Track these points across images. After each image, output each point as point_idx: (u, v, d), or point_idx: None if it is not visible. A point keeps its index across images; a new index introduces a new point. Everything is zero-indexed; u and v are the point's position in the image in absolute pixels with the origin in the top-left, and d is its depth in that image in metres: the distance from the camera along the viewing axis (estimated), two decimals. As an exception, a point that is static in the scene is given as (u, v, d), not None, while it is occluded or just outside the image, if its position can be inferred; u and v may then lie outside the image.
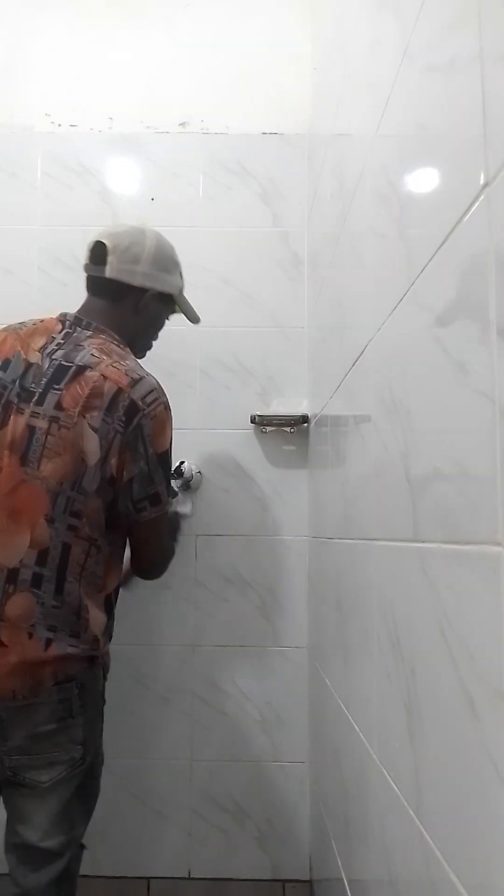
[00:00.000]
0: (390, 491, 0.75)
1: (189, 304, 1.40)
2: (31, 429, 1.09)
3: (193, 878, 1.60)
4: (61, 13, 1.81)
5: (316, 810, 1.47)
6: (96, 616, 1.10)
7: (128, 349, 1.22)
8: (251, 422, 1.67)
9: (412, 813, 0.64)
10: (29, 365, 1.14)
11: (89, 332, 1.19)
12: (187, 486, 1.65)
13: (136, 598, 1.65)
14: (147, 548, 1.21)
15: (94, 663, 1.11)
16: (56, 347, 1.16)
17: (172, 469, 1.42)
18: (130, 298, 1.25)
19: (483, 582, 0.46)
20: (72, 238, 1.71)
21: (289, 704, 1.63)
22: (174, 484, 1.54)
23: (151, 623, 1.65)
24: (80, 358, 1.13)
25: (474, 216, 0.49)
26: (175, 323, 1.62)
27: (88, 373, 1.11)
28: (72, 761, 1.07)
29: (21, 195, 1.75)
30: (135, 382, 1.12)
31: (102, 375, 1.11)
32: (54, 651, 1.05)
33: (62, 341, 1.17)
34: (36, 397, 1.11)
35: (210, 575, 1.66)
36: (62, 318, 1.21)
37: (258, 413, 1.67)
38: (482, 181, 0.47)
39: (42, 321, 1.21)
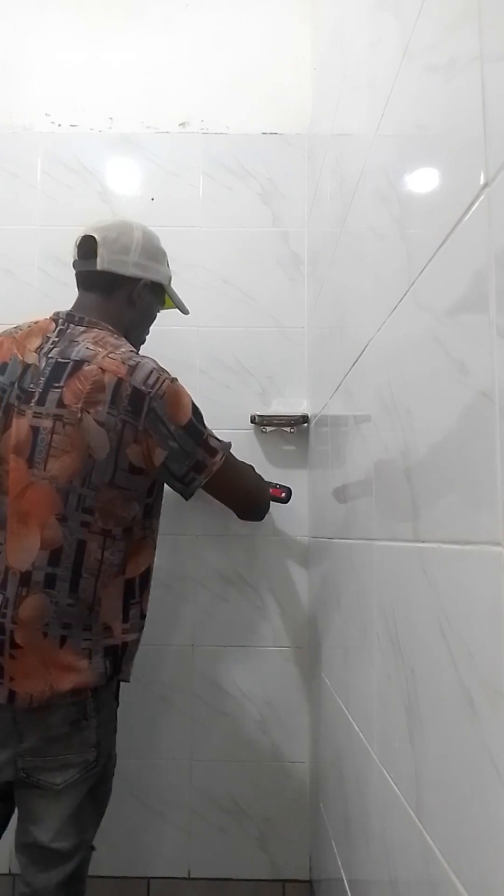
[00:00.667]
0: (390, 491, 0.75)
1: (177, 295, 1.40)
2: (34, 430, 1.10)
3: (193, 878, 1.60)
4: (61, 13, 1.81)
5: (316, 810, 1.47)
6: (108, 604, 1.10)
7: (122, 338, 1.21)
8: (251, 422, 1.67)
9: (412, 813, 0.64)
10: (27, 366, 1.14)
11: (83, 328, 1.19)
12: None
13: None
14: (229, 501, 1.28)
15: (115, 651, 1.10)
16: (52, 346, 1.16)
17: None
18: (123, 290, 1.25)
19: (483, 582, 0.46)
20: (72, 238, 1.70)
21: (289, 704, 1.63)
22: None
23: (151, 623, 1.64)
24: (76, 353, 1.13)
25: (474, 216, 0.49)
26: (175, 323, 1.63)
27: (86, 367, 1.11)
28: (85, 764, 1.07)
29: (21, 195, 1.75)
30: (133, 369, 1.12)
31: (101, 368, 1.11)
32: (69, 650, 1.05)
33: (57, 339, 1.17)
34: (36, 397, 1.11)
35: (210, 575, 1.66)
36: (55, 317, 1.22)
37: (258, 413, 1.67)
38: (482, 181, 0.47)
39: (36, 323, 1.22)
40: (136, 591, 1.15)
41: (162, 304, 1.38)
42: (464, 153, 0.51)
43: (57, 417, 1.09)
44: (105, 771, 1.14)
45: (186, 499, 1.20)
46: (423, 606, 0.61)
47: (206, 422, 1.19)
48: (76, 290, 1.30)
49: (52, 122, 1.78)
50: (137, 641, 1.16)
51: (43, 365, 1.14)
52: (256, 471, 1.44)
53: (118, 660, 1.11)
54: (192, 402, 1.17)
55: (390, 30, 0.77)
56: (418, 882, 0.62)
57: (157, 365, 1.16)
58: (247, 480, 1.32)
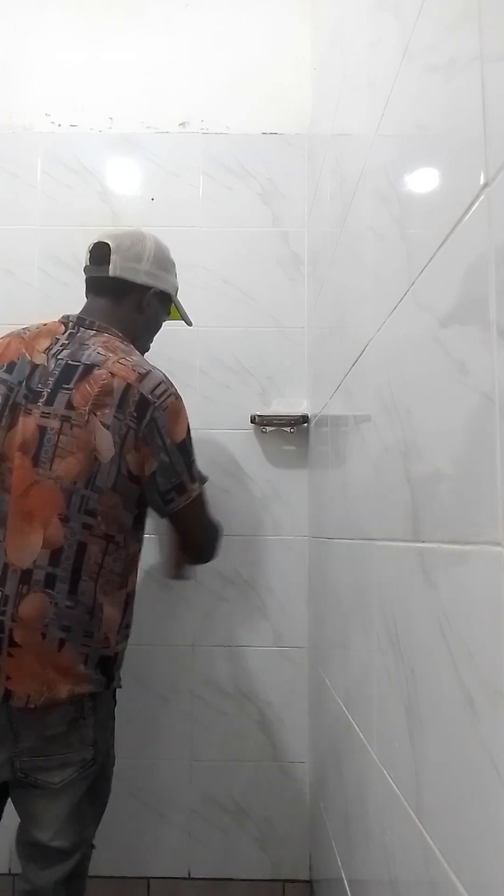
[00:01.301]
0: (390, 491, 0.75)
1: (182, 306, 1.42)
2: (41, 429, 1.10)
3: (193, 878, 1.60)
4: (61, 13, 1.81)
5: (316, 810, 1.47)
6: (111, 614, 1.10)
7: (131, 346, 1.23)
8: (251, 422, 1.67)
9: (412, 813, 0.64)
10: (35, 366, 1.15)
11: (93, 332, 1.20)
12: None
13: (135, 598, 1.65)
14: (190, 535, 1.24)
15: (107, 662, 1.10)
16: (61, 348, 1.17)
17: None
18: (133, 297, 1.27)
19: (483, 582, 0.46)
20: (72, 238, 1.71)
21: (289, 704, 1.63)
22: None
23: (151, 623, 1.65)
24: (87, 357, 1.14)
25: (474, 216, 0.49)
26: (175, 323, 1.62)
27: (96, 371, 1.12)
28: (83, 762, 1.07)
29: (21, 195, 1.75)
30: (142, 377, 1.13)
31: (110, 373, 1.12)
32: (68, 653, 1.05)
33: (66, 342, 1.18)
34: (45, 398, 1.12)
35: (210, 575, 1.66)
36: (64, 320, 1.23)
37: (258, 413, 1.67)
38: (482, 181, 0.47)
39: (45, 325, 1.23)
40: (131, 604, 1.17)
41: (167, 315, 1.40)
42: (464, 153, 0.51)
43: (65, 419, 1.10)
44: (104, 769, 1.14)
45: (162, 517, 1.19)
46: (423, 606, 0.61)
47: (205, 423, 1.20)
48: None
49: (52, 122, 1.78)
50: (125, 650, 1.17)
51: (52, 366, 1.14)
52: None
53: (109, 670, 1.11)
54: (189, 424, 1.19)
55: (390, 30, 0.77)
56: (418, 882, 0.62)
57: (166, 378, 1.18)
58: (211, 522, 1.30)
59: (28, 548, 1.07)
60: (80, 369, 1.13)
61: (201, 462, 1.67)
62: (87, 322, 1.21)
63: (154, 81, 1.79)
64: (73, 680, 1.05)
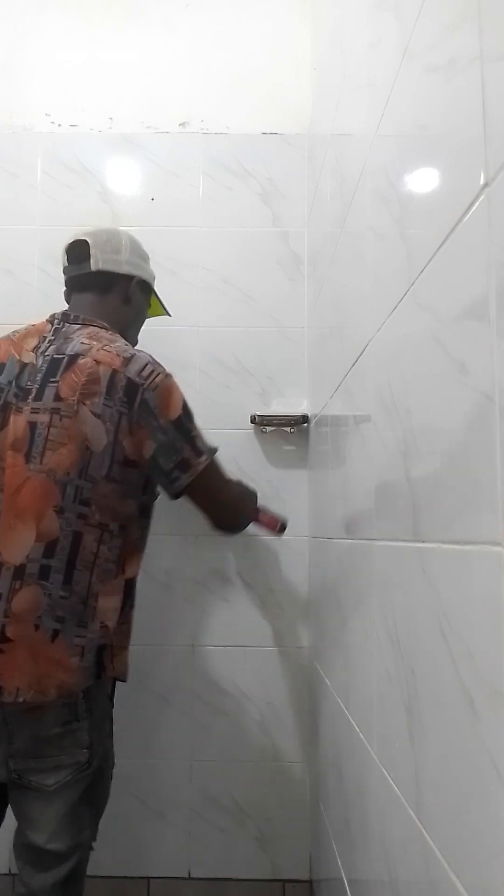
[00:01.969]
0: (390, 491, 0.75)
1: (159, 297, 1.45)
2: (32, 425, 1.10)
3: (193, 878, 1.60)
4: (61, 13, 1.81)
5: (316, 810, 1.47)
6: (106, 603, 1.10)
7: (118, 335, 1.23)
8: (251, 422, 1.67)
9: (412, 813, 0.64)
10: (24, 365, 1.16)
11: (77, 325, 1.21)
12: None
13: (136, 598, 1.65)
14: (211, 508, 1.24)
15: (103, 653, 1.10)
16: (48, 345, 1.18)
17: None
18: (118, 288, 1.29)
19: (483, 582, 0.46)
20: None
21: (289, 704, 1.63)
22: None
23: (151, 623, 1.65)
24: (71, 348, 1.15)
25: (474, 216, 0.49)
26: (175, 323, 1.63)
27: (81, 360, 1.13)
28: (77, 765, 1.07)
29: (21, 195, 1.75)
30: (127, 361, 1.14)
31: (95, 360, 1.13)
32: (61, 644, 1.05)
33: (52, 338, 1.19)
34: (34, 393, 1.12)
35: (210, 575, 1.66)
36: (50, 319, 1.24)
37: (258, 413, 1.67)
38: (482, 181, 0.47)
39: (34, 325, 1.24)
40: (133, 592, 1.16)
41: (149, 307, 1.41)
42: (464, 153, 0.51)
43: (54, 411, 1.10)
44: (101, 772, 1.13)
45: (172, 498, 1.19)
46: (423, 606, 0.61)
47: (205, 423, 1.20)
48: (64, 295, 1.31)
49: (52, 122, 1.78)
50: (124, 637, 1.16)
51: (40, 363, 1.15)
52: (259, 493, 1.46)
53: (102, 658, 1.10)
54: (185, 400, 1.18)
55: (390, 30, 0.77)
56: (418, 882, 0.62)
57: (153, 359, 1.17)
58: (229, 490, 1.30)
59: (20, 543, 1.07)
60: (65, 361, 1.14)
61: (201, 462, 1.67)
62: (71, 317, 1.22)
63: (154, 81, 1.79)
64: (64, 672, 1.05)
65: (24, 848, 1.08)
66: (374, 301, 0.84)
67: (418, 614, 0.63)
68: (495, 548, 0.44)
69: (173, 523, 1.67)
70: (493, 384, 0.45)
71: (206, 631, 1.65)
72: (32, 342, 1.19)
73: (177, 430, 1.14)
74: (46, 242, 1.73)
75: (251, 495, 1.42)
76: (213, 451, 1.21)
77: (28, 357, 1.17)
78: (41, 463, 1.08)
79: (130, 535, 1.16)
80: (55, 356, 1.15)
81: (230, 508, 1.31)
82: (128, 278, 1.29)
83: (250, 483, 1.67)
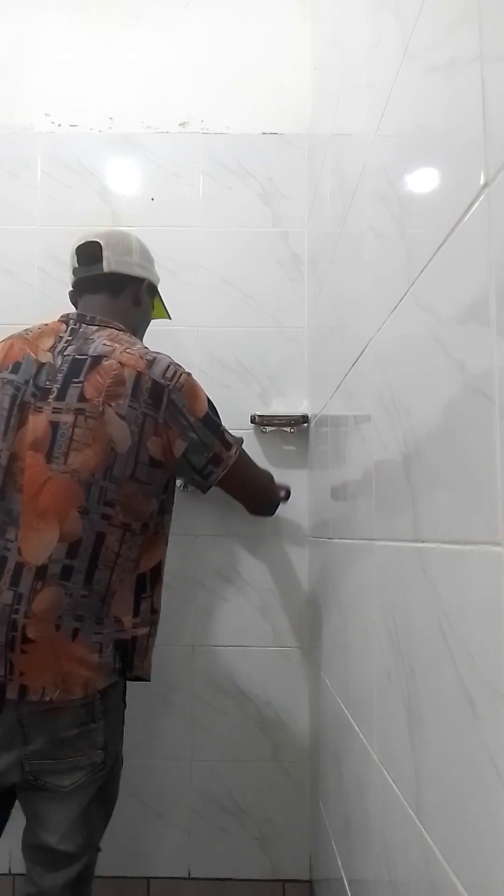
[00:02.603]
0: (390, 491, 0.75)
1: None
2: (54, 425, 1.11)
3: (193, 878, 1.60)
4: (61, 13, 1.81)
5: (316, 810, 1.47)
6: (122, 598, 1.11)
7: (134, 337, 1.25)
8: (251, 422, 1.67)
9: (412, 813, 0.64)
10: (41, 365, 1.16)
11: (95, 326, 1.21)
12: (186, 486, 1.65)
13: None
14: (245, 496, 1.33)
15: (125, 647, 1.10)
16: (66, 345, 1.18)
17: None
18: (129, 289, 1.30)
19: (483, 582, 0.46)
20: (72, 238, 1.71)
21: (289, 704, 1.63)
22: None
23: (151, 623, 1.65)
24: (93, 349, 1.16)
25: (474, 216, 0.49)
26: (175, 323, 1.63)
27: (105, 362, 1.14)
28: (93, 766, 1.07)
29: (21, 195, 1.75)
30: (151, 364, 1.15)
31: (119, 363, 1.14)
32: (81, 643, 1.05)
33: (70, 338, 1.19)
34: (55, 393, 1.12)
35: (210, 575, 1.66)
36: (65, 319, 1.24)
37: (258, 413, 1.67)
38: (482, 181, 0.47)
39: (46, 324, 1.24)
40: (146, 584, 1.15)
41: (154, 309, 1.43)
42: (464, 153, 0.51)
43: (79, 411, 1.10)
44: (113, 772, 1.13)
45: (204, 492, 1.24)
46: (423, 606, 0.61)
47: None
48: (67, 302, 1.31)
49: (52, 122, 1.78)
50: (149, 636, 1.15)
51: (59, 363, 1.15)
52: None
53: (128, 654, 1.11)
54: (207, 395, 1.21)
55: (390, 30, 0.77)
56: (418, 882, 0.62)
57: (172, 360, 1.20)
58: (259, 475, 1.37)
59: (43, 544, 1.07)
60: (88, 362, 1.14)
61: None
62: (87, 318, 1.22)
63: (154, 81, 1.79)
64: (87, 669, 1.05)
65: (34, 848, 1.08)
66: (374, 301, 0.84)
67: (418, 614, 0.63)
68: (495, 548, 0.44)
69: (173, 523, 1.67)
70: (492, 384, 0.45)
71: (206, 631, 1.65)
72: (48, 342, 1.19)
73: (206, 427, 1.17)
74: (46, 242, 1.73)
75: (271, 477, 1.49)
76: (240, 441, 1.26)
77: (45, 357, 1.17)
78: (65, 463, 1.08)
79: (148, 533, 1.17)
80: (77, 356, 1.15)
81: (262, 495, 1.39)
82: (139, 280, 1.31)
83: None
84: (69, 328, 1.21)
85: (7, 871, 1.60)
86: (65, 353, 1.16)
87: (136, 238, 1.34)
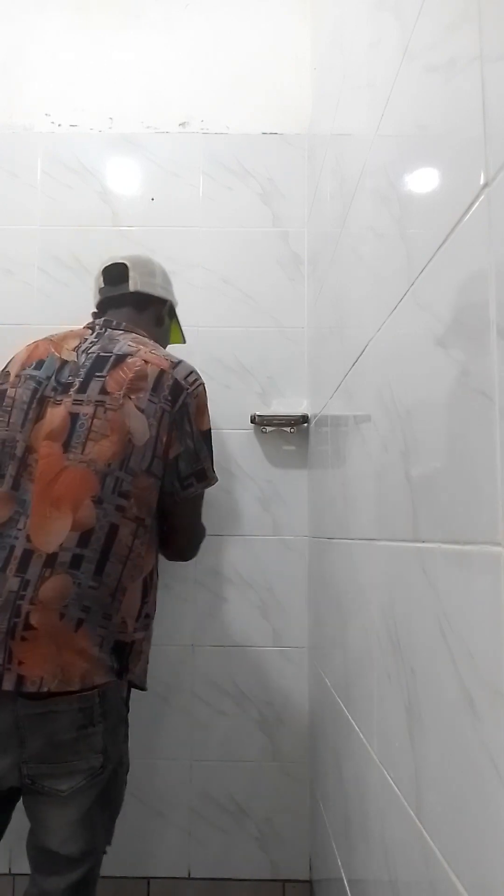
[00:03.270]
0: (390, 491, 0.75)
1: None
2: (73, 416, 1.13)
3: (193, 878, 1.60)
4: (61, 13, 1.81)
5: (316, 810, 1.47)
6: (131, 599, 1.11)
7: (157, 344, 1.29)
8: (251, 422, 1.67)
9: (412, 813, 0.64)
10: (64, 362, 1.20)
11: (120, 331, 1.26)
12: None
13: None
14: (186, 525, 1.28)
15: (123, 649, 1.09)
16: (90, 345, 1.22)
17: None
18: (152, 309, 1.36)
19: (483, 582, 0.46)
20: (72, 238, 1.71)
21: (289, 704, 1.63)
22: None
23: (151, 623, 1.65)
24: (118, 348, 1.20)
25: (474, 216, 0.49)
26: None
27: (129, 359, 1.17)
28: (91, 770, 1.05)
29: (21, 195, 1.75)
30: (175, 365, 1.20)
31: (144, 360, 1.18)
32: (84, 635, 1.04)
33: (95, 339, 1.24)
34: (77, 386, 1.15)
35: (210, 575, 1.66)
36: (90, 325, 1.29)
37: (258, 413, 1.67)
38: (482, 181, 0.47)
39: (72, 330, 1.28)
40: (148, 588, 1.16)
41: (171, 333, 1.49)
42: (464, 153, 0.51)
43: (99, 403, 1.13)
44: (116, 776, 1.11)
45: (177, 502, 1.19)
46: (423, 606, 0.61)
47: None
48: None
49: (52, 122, 1.78)
50: (144, 641, 1.15)
51: (83, 360, 1.19)
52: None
53: (124, 656, 1.09)
54: (210, 418, 1.24)
55: (390, 30, 0.77)
56: (418, 882, 0.62)
57: (196, 370, 1.24)
58: (200, 522, 1.34)
59: (54, 532, 1.07)
60: (113, 359, 1.18)
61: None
62: (114, 323, 1.27)
63: (154, 81, 1.79)
64: (87, 663, 1.04)
65: (36, 851, 1.07)
66: (374, 301, 0.84)
67: (418, 614, 0.63)
68: (495, 548, 0.44)
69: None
70: (492, 384, 0.45)
71: (205, 631, 1.65)
72: (73, 343, 1.23)
73: (203, 442, 1.20)
74: (46, 242, 1.73)
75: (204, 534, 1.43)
76: (216, 479, 1.26)
77: (69, 356, 1.21)
78: (82, 453, 1.10)
79: (155, 534, 1.18)
80: (101, 354, 1.19)
81: (197, 537, 1.35)
82: (161, 301, 1.37)
83: (250, 483, 1.68)
84: (95, 332, 1.26)
85: (7, 871, 1.60)
86: (89, 352, 1.20)
87: (159, 263, 1.41)
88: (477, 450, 0.48)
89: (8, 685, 1.01)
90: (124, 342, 1.21)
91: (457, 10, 0.54)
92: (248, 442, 1.69)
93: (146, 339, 1.25)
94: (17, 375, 1.20)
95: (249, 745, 1.62)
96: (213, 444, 1.24)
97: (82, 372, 1.16)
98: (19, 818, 1.13)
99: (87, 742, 1.05)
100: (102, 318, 1.29)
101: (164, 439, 1.14)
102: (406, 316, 0.69)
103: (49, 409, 1.14)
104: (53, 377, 1.17)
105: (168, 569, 1.65)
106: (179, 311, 1.64)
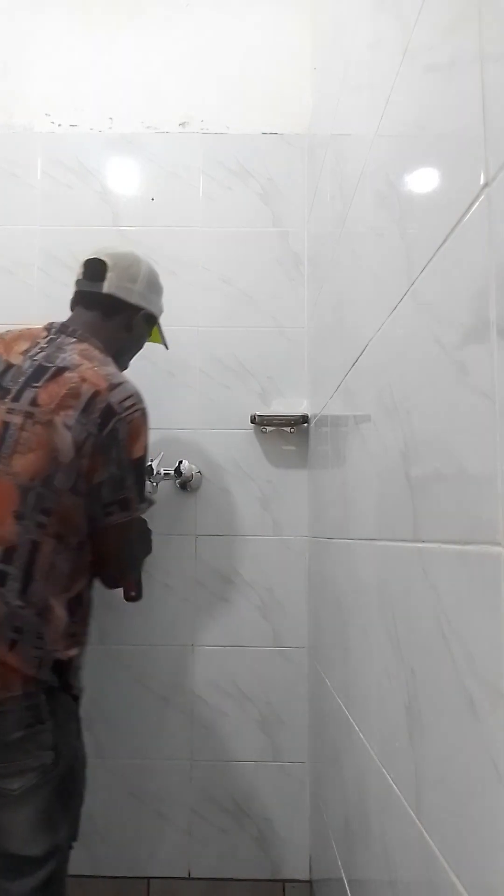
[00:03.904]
0: (390, 491, 0.75)
1: (163, 330, 1.45)
2: (5, 424, 1.09)
3: (193, 878, 1.60)
4: (61, 13, 1.81)
5: (316, 810, 1.47)
6: (59, 617, 1.08)
7: (110, 359, 1.24)
8: (251, 422, 1.67)
9: (412, 813, 0.64)
10: (9, 366, 1.16)
11: (73, 339, 1.21)
12: (186, 485, 1.66)
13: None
14: (112, 554, 1.20)
15: (61, 667, 1.08)
16: (39, 351, 1.18)
17: (172, 469, 1.46)
18: (123, 315, 1.30)
19: (483, 582, 0.46)
20: (72, 238, 1.71)
21: (289, 704, 1.63)
22: (152, 489, 1.57)
23: (151, 623, 1.65)
24: (61, 360, 1.15)
25: (474, 216, 0.49)
26: (175, 323, 1.63)
27: (67, 374, 1.13)
28: (43, 768, 1.04)
29: (21, 195, 1.75)
30: (114, 387, 1.14)
31: (81, 377, 1.13)
32: (19, 654, 1.03)
33: (45, 345, 1.19)
34: (12, 394, 1.12)
35: (210, 575, 1.66)
36: (48, 326, 1.24)
37: (258, 413, 1.67)
38: (482, 181, 0.47)
39: (28, 328, 1.24)
40: (75, 609, 1.13)
41: (149, 336, 1.43)
42: (464, 153, 0.51)
43: (28, 415, 1.09)
44: (71, 772, 1.10)
45: (94, 531, 1.15)
46: (423, 606, 0.61)
47: (205, 423, 1.20)
48: (67, 303, 1.31)
49: (52, 122, 1.78)
50: (79, 656, 1.14)
51: (26, 366, 1.15)
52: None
53: (64, 674, 1.09)
54: (147, 444, 1.19)
55: (390, 30, 0.77)
56: (418, 882, 0.62)
57: (138, 392, 1.17)
58: (138, 552, 1.31)
59: None
60: (52, 370, 1.13)
61: (201, 462, 1.68)
62: (69, 329, 1.23)
63: (154, 81, 1.80)
64: (22, 677, 1.03)
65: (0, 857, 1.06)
66: (374, 301, 0.84)
67: (418, 614, 0.63)
68: (495, 548, 0.44)
69: (173, 523, 1.67)
70: (492, 384, 0.45)
71: (206, 631, 1.65)
72: (23, 345, 1.19)
73: (132, 469, 1.14)
74: (46, 242, 1.73)
75: (140, 564, 1.41)
76: (151, 503, 1.22)
77: (16, 359, 1.16)
78: (9, 465, 1.07)
79: (85, 555, 1.14)
80: (43, 363, 1.14)
81: (126, 569, 1.30)
82: (135, 309, 1.31)
83: (250, 483, 1.68)
84: (49, 336, 1.21)
85: None
86: (34, 358, 1.16)
87: (147, 267, 1.33)
88: (477, 450, 0.48)
89: None
90: (71, 353, 1.16)
91: (457, 10, 0.54)
92: (248, 442, 1.69)
93: (95, 353, 1.19)
94: None
95: (249, 745, 1.62)
96: (145, 471, 1.18)
97: (21, 380, 1.12)
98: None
99: (35, 740, 1.04)
100: (60, 322, 1.24)
101: (87, 463, 1.10)
102: (406, 316, 0.69)
103: None
104: None
105: (168, 569, 1.66)
106: (180, 311, 1.65)
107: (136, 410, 1.15)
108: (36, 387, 1.11)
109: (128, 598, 1.43)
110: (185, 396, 1.69)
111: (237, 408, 1.68)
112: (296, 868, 1.60)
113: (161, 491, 1.66)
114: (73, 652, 1.11)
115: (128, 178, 1.78)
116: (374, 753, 0.82)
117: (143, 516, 1.32)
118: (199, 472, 1.67)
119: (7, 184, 1.75)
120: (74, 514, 1.10)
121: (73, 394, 1.11)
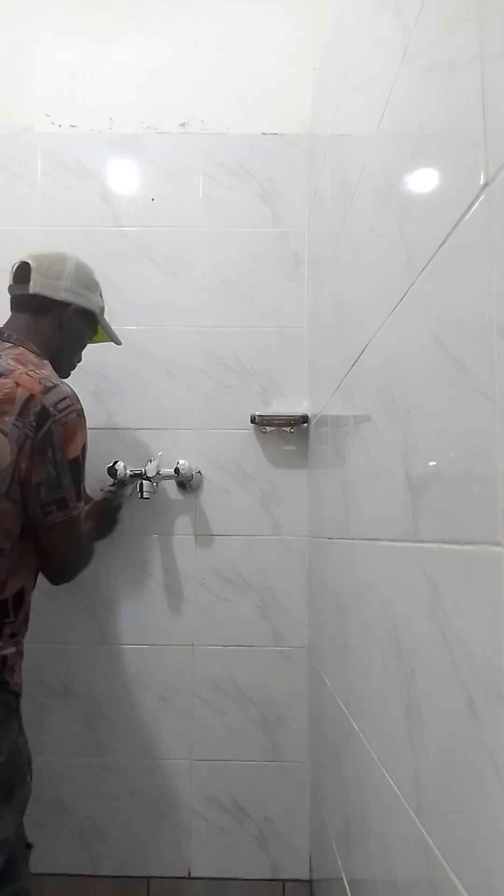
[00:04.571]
0: (390, 491, 0.75)
1: (110, 325, 1.45)
2: None
3: (193, 878, 1.60)
4: (61, 13, 1.81)
5: (316, 810, 1.47)
6: None
7: (47, 362, 1.25)
8: (251, 422, 1.67)
9: (412, 813, 0.64)
10: None
11: (9, 344, 1.23)
12: (186, 485, 1.66)
13: (135, 598, 1.65)
14: (55, 552, 1.22)
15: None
16: None
17: (172, 469, 1.45)
18: (54, 313, 1.30)
19: (483, 582, 0.46)
20: (72, 238, 1.70)
21: (289, 704, 1.63)
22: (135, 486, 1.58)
23: (151, 623, 1.65)
24: None
25: (474, 216, 0.49)
26: (175, 323, 1.63)
27: (2, 380, 1.14)
28: None
29: (21, 195, 1.75)
30: (48, 390, 1.15)
31: (16, 382, 1.14)
32: None
33: None
34: None
35: (210, 575, 1.66)
36: None
37: (258, 413, 1.67)
38: (482, 181, 0.47)
39: None
40: (9, 611, 1.14)
41: (94, 334, 1.43)
42: (464, 153, 0.51)
43: None
44: (13, 768, 1.11)
45: (36, 532, 1.18)
46: (423, 606, 0.61)
47: (205, 423, 1.20)
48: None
49: (52, 123, 1.78)
50: (16, 655, 1.14)
51: None
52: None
53: (2, 672, 1.09)
54: (86, 443, 1.20)
55: (390, 30, 0.77)
56: (418, 882, 0.62)
57: (73, 394, 1.19)
58: (83, 549, 1.31)
59: None
60: None
61: (201, 462, 1.68)
62: (4, 335, 1.24)
63: (154, 81, 1.79)
64: None
65: None
66: (374, 301, 0.84)
67: (418, 614, 0.63)
68: (495, 548, 0.44)
69: (173, 523, 1.67)
70: (493, 384, 0.45)
71: (206, 631, 1.65)
72: None
73: (69, 469, 1.16)
74: (46, 243, 1.73)
75: (88, 559, 1.41)
76: (90, 501, 1.24)
77: None
78: None
79: (23, 559, 1.15)
80: None
81: (72, 567, 1.31)
82: (64, 305, 1.30)
83: (250, 483, 1.68)
84: None
85: None
86: None
87: (74, 263, 1.34)
88: (477, 450, 0.48)
89: None
90: (5, 359, 1.17)
91: (457, 10, 0.54)
92: (248, 442, 1.69)
93: (30, 357, 1.21)
94: None
95: (249, 745, 1.62)
96: (83, 470, 1.19)
97: None
98: None
99: None
100: None
101: (25, 465, 1.11)
102: (406, 316, 0.69)
103: None
104: None
105: (168, 568, 1.66)
106: (180, 311, 1.65)
107: (71, 412, 1.16)
108: None
109: None
110: (185, 396, 1.69)
111: (237, 408, 1.68)
112: (296, 868, 1.60)
113: (161, 491, 1.66)
114: (9, 650, 1.12)
115: (128, 178, 1.78)
116: (374, 753, 0.82)
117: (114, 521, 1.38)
118: (199, 472, 1.67)
119: (7, 184, 1.75)
120: (7, 519, 1.11)
121: (8, 399, 1.12)
